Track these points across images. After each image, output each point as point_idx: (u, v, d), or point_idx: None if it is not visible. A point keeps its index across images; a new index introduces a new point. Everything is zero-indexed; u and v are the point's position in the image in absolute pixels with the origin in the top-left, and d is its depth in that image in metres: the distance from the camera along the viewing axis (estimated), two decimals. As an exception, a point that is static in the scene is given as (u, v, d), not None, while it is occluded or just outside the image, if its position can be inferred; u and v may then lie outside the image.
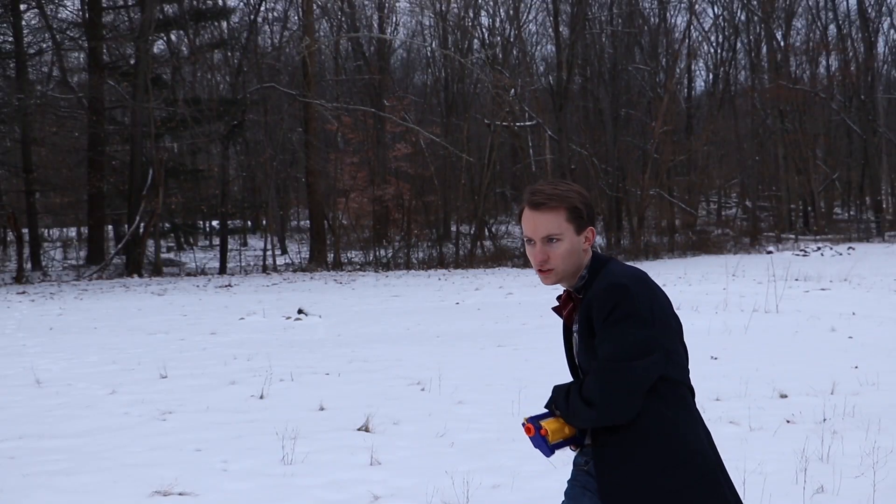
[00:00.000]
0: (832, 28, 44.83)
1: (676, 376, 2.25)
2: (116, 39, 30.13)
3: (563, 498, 2.45)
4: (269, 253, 28.71)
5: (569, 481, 2.45)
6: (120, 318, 14.23)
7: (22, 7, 28.32)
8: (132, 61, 29.08)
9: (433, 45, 38.19)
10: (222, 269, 27.49)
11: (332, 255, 29.19)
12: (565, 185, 2.35)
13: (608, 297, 2.20)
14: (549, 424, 2.30)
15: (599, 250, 2.46)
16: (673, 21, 45.96)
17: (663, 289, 2.32)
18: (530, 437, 2.31)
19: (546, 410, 2.36)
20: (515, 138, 33.74)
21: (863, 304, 13.86)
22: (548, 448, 2.31)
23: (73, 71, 33.97)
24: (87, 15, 29.46)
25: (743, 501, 2.28)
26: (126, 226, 27.26)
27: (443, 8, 34.37)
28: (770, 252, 30.20)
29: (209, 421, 6.47)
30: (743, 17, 42.80)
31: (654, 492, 2.17)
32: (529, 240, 2.33)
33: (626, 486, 2.20)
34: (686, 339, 2.34)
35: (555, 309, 2.43)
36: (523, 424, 2.33)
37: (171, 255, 33.34)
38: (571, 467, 2.48)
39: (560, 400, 2.30)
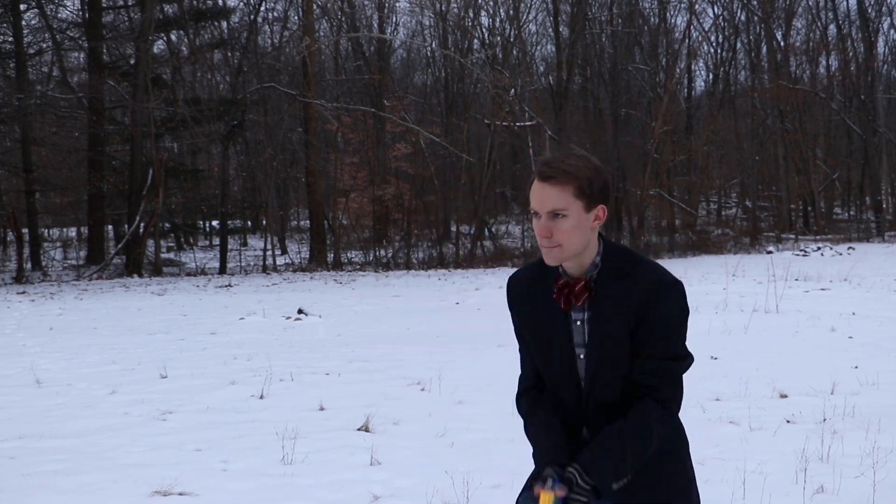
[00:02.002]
0: (832, 28, 44.85)
1: None
2: (116, 39, 30.12)
3: None
4: (269, 253, 28.70)
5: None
6: (120, 318, 14.23)
7: (22, 7, 28.31)
8: (132, 61, 29.06)
9: (433, 45, 38.13)
10: (222, 269, 27.48)
11: (332, 255, 29.18)
12: (578, 159, 2.20)
13: (677, 294, 2.21)
14: None
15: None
16: (673, 21, 45.95)
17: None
18: None
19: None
20: (515, 138, 33.75)
21: (863, 304, 13.84)
22: None
23: (73, 71, 33.96)
24: (87, 15, 29.46)
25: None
26: (126, 226, 27.25)
27: (443, 8, 34.34)
28: (770, 252, 30.18)
29: (209, 421, 6.47)
30: (743, 17, 42.81)
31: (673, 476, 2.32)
32: (536, 213, 2.21)
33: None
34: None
35: (560, 296, 2.28)
36: None
37: (171, 255, 33.31)
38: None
39: (610, 459, 2.17)
